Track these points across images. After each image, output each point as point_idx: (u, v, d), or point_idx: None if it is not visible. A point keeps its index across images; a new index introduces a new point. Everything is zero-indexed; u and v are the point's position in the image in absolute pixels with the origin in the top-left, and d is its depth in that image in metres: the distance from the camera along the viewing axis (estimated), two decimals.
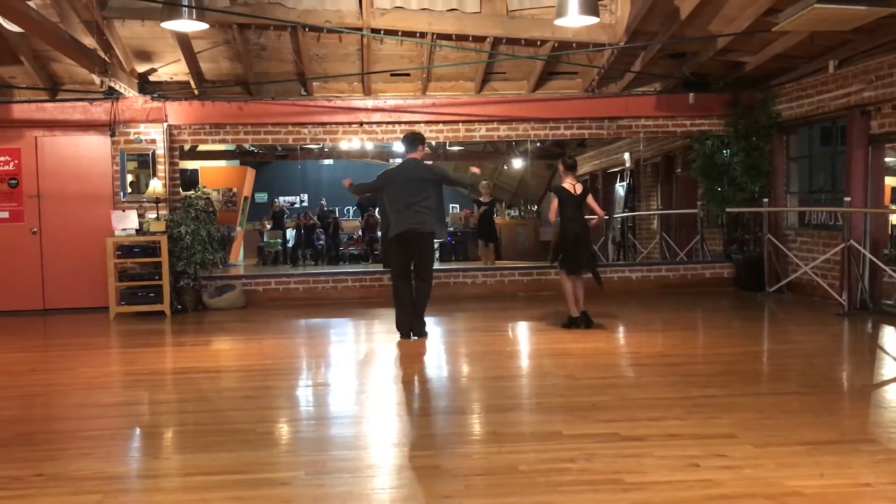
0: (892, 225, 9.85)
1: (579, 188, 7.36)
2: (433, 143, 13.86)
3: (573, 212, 7.32)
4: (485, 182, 13.55)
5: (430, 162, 7.20)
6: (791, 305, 8.85)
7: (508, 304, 9.53)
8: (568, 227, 7.33)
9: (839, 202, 8.63)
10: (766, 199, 9.74)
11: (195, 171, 13.86)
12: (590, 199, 7.49)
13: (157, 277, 9.16)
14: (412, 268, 7.07)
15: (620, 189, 14.64)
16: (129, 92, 9.33)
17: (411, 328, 7.09)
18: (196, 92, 9.76)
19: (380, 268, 12.03)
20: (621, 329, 7.84)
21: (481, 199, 13.22)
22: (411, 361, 6.43)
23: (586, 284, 7.56)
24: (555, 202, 7.40)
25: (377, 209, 12.21)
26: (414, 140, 7.23)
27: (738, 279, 10.33)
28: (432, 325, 7.88)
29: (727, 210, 10.29)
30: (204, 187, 10.57)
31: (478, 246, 13.44)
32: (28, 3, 6.34)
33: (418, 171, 7.04)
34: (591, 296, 9.90)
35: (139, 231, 9.28)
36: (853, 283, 8.09)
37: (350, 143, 11.31)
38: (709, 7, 7.68)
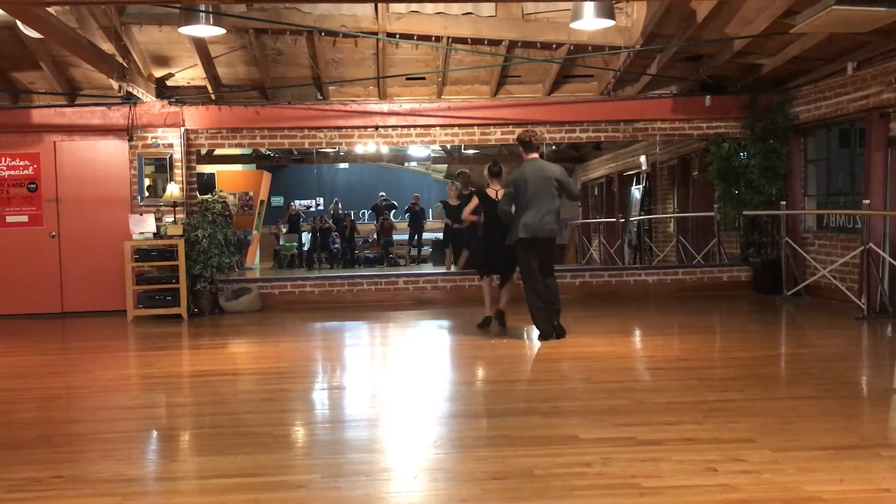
0: None
1: (501, 194, 7.41)
2: (448, 146, 13.84)
3: (493, 217, 7.41)
4: (455, 184, 11.93)
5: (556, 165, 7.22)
6: (809, 309, 8.77)
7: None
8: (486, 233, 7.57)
9: (858, 205, 8.55)
10: (783, 202, 9.67)
11: (212, 175, 13.97)
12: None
13: (174, 281, 9.22)
14: (539, 269, 7.06)
15: (637, 192, 14.58)
16: (146, 97, 9.41)
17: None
18: (213, 96, 9.83)
19: (394, 271, 12.03)
20: (638, 333, 7.81)
21: (448, 201, 11.56)
22: (426, 364, 6.43)
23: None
24: (473, 203, 7.68)
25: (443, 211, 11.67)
26: (529, 140, 7.06)
27: (755, 282, 10.26)
28: (435, 329, 7.87)
29: (744, 213, 10.23)
30: (220, 191, 10.64)
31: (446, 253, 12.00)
32: (48, 9, 6.40)
33: (546, 171, 6.95)
34: (607, 300, 9.94)
35: (156, 235, 9.34)
36: (872, 287, 8.01)
37: (365, 146, 11.33)
38: (725, 9, 7.65)
